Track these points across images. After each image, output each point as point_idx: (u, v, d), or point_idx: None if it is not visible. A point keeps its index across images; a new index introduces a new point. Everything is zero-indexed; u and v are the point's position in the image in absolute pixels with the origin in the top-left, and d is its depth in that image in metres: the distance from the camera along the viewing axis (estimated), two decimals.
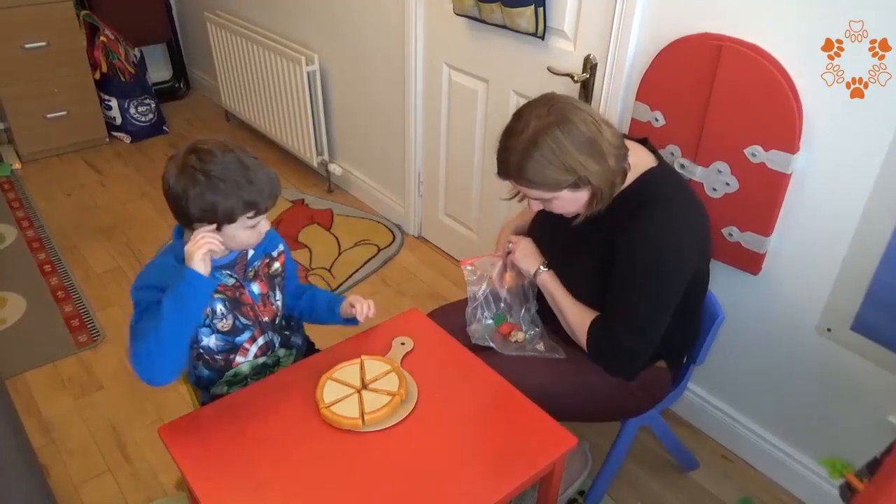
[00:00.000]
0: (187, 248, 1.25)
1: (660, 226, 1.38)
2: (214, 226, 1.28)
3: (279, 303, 1.50)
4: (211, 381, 1.49)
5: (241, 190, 1.25)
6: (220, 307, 1.40)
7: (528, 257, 1.60)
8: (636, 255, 1.39)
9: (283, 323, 1.55)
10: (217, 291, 1.39)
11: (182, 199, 1.25)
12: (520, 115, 1.36)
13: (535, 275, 1.58)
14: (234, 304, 1.42)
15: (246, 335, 1.46)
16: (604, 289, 1.47)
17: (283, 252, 1.51)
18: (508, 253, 1.64)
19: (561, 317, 1.56)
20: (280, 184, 1.34)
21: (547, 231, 1.64)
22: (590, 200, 1.39)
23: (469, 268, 1.69)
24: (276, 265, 1.49)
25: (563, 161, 1.30)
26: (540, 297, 1.67)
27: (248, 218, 1.29)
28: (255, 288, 1.45)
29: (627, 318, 1.44)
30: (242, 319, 1.44)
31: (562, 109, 1.32)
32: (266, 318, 1.48)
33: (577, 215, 1.45)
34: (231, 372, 1.48)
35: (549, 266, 1.58)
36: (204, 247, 1.24)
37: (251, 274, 1.44)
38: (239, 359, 1.47)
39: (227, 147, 1.28)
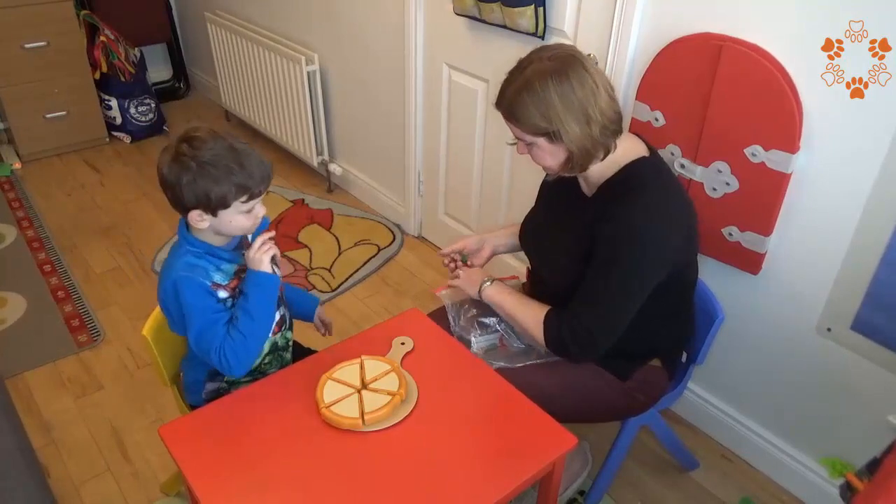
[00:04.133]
0: (251, 255, 1.35)
1: (642, 215, 1.37)
2: (273, 233, 1.38)
3: (279, 277, 1.51)
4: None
5: (233, 175, 1.29)
6: None
7: (469, 286, 1.64)
8: (614, 241, 1.38)
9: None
10: (240, 275, 1.41)
11: (176, 188, 1.30)
12: (529, 54, 1.38)
13: (480, 293, 1.61)
14: None
15: None
16: (578, 268, 1.45)
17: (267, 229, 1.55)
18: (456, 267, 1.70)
19: (515, 322, 1.56)
20: (272, 169, 1.38)
21: (545, 206, 1.66)
22: (566, 161, 1.40)
23: (445, 292, 1.71)
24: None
25: (543, 110, 1.32)
26: None
27: (242, 203, 1.32)
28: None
29: (591, 299, 1.43)
30: None
31: (564, 61, 1.33)
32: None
33: (557, 176, 1.47)
34: None
35: (541, 245, 1.58)
36: (269, 252, 1.36)
37: None
38: None
39: (217, 134, 1.32)
